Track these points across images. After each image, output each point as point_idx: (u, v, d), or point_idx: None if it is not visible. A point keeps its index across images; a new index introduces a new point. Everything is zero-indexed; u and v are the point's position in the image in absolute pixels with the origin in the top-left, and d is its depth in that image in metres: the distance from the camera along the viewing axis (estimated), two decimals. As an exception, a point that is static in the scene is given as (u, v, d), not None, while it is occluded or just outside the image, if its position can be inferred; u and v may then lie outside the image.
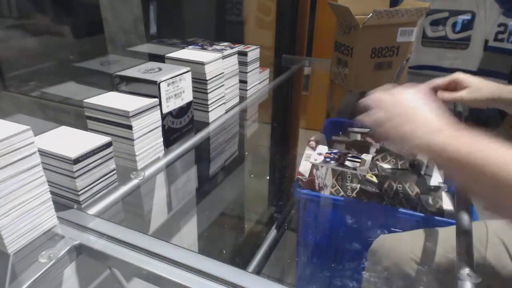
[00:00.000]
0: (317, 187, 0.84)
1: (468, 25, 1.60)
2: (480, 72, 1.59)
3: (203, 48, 0.96)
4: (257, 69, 1.10)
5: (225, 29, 1.68)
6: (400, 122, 0.54)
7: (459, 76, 0.72)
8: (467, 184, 0.47)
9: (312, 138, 0.96)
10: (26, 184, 0.47)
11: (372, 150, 0.96)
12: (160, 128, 0.72)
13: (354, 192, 0.83)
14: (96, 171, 0.59)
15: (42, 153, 0.55)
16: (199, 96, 0.87)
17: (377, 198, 0.81)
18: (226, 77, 0.92)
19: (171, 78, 0.73)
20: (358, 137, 1.01)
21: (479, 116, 1.44)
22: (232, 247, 1.27)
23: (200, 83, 0.85)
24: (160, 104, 0.71)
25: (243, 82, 1.04)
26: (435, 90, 0.72)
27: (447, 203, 0.82)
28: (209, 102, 0.87)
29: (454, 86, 0.72)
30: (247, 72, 1.04)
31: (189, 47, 0.96)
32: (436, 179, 0.87)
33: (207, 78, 0.85)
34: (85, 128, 0.68)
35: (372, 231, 0.79)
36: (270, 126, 1.40)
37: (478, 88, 0.70)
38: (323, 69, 1.45)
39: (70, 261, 0.50)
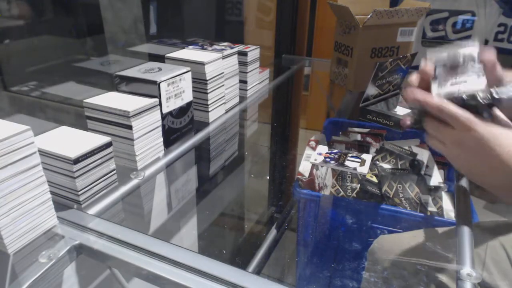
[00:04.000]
0: (317, 187, 0.84)
1: (468, 25, 1.60)
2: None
3: (203, 48, 0.96)
4: (257, 69, 1.10)
5: (225, 29, 1.68)
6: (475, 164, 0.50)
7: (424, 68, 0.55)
8: None
9: (312, 138, 0.96)
10: (26, 184, 0.47)
11: (372, 150, 0.96)
12: (160, 128, 0.72)
13: (354, 192, 0.83)
14: (96, 171, 0.59)
15: (42, 153, 0.55)
16: (199, 96, 0.87)
17: (377, 198, 0.80)
18: (226, 77, 0.92)
19: (171, 78, 0.73)
20: (358, 137, 1.01)
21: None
22: (232, 247, 1.26)
23: (200, 83, 0.85)
24: (160, 104, 0.71)
25: (243, 82, 1.04)
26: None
27: (447, 203, 0.82)
28: (209, 102, 0.87)
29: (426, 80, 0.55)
30: (247, 72, 1.04)
31: (189, 47, 0.96)
32: (436, 179, 0.87)
33: (207, 78, 0.85)
34: (85, 128, 0.68)
35: (372, 231, 0.79)
36: (270, 126, 1.40)
37: None
38: (323, 69, 1.46)
39: (70, 261, 0.50)
